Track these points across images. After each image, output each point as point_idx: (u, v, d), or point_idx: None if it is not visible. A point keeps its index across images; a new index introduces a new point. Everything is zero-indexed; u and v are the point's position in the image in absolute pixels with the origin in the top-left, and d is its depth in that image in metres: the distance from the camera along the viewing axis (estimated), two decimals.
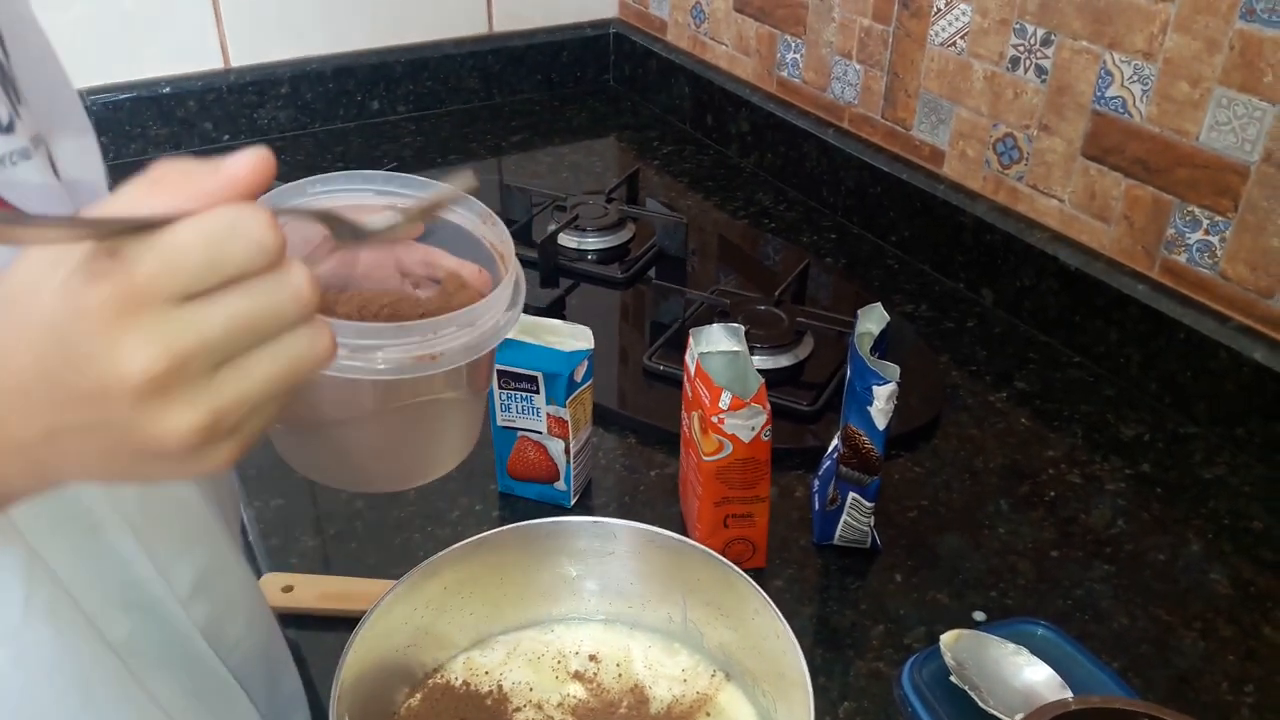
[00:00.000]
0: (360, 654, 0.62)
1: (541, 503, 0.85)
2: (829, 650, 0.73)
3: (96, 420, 0.35)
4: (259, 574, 0.79)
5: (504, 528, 0.68)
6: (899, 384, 0.72)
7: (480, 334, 0.48)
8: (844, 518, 0.79)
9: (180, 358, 0.34)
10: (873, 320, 0.77)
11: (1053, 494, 0.87)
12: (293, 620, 0.75)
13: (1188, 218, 0.92)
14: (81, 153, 0.53)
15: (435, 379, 0.48)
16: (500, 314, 0.50)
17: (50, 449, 0.36)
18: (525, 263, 1.16)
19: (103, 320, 0.33)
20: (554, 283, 1.15)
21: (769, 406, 0.73)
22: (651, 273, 1.18)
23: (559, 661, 0.69)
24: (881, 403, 0.72)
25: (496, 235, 0.55)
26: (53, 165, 0.48)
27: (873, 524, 0.80)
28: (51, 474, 0.39)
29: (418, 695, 0.67)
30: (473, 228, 0.55)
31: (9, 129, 0.45)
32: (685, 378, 0.78)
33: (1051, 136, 1.03)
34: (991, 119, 1.08)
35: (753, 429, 0.73)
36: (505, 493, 0.86)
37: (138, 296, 0.33)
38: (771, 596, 0.61)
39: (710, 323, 0.81)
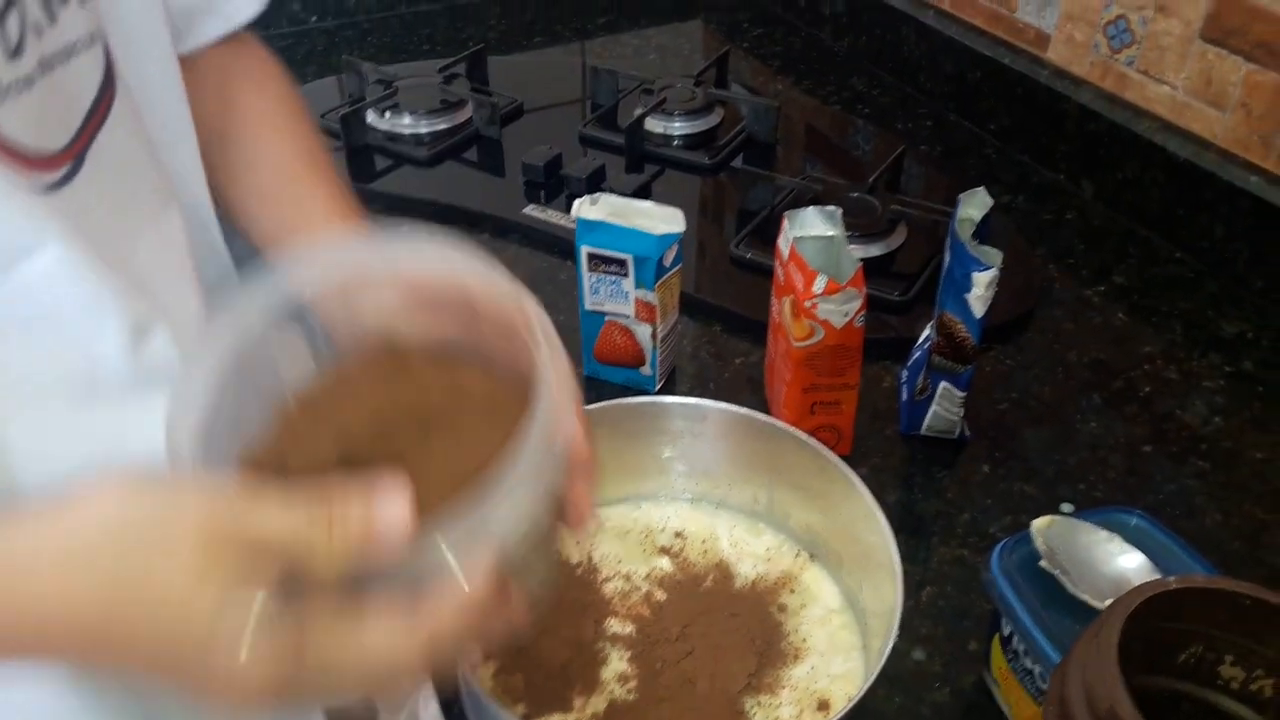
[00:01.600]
0: None
1: (627, 387, 0.86)
2: (911, 536, 0.74)
3: (188, 680, 0.35)
4: None
5: (597, 405, 0.69)
6: (1000, 270, 0.71)
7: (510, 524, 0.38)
8: (933, 407, 0.79)
9: (292, 667, 0.34)
10: (975, 205, 0.75)
11: (1148, 389, 0.85)
12: None
13: None
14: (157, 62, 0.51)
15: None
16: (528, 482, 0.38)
17: (120, 664, 0.36)
18: (611, 148, 1.17)
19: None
20: (639, 168, 1.14)
21: (865, 290, 0.72)
22: (739, 159, 1.16)
23: (646, 536, 0.71)
24: (981, 289, 0.71)
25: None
26: (108, 58, 0.45)
27: (963, 414, 0.79)
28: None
29: None
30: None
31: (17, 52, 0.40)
32: (777, 262, 0.77)
33: (1169, 18, 0.97)
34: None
35: (846, 314, 0.72)
36: (591, 376, 0.87)
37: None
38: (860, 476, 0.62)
39: (800, 210, 0.80)
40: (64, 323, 0.41)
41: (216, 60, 0.59)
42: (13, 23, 0.38)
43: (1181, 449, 0.80)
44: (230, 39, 0.59)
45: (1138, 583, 0.54)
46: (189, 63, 0.55)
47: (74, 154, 0.42)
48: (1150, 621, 0.42)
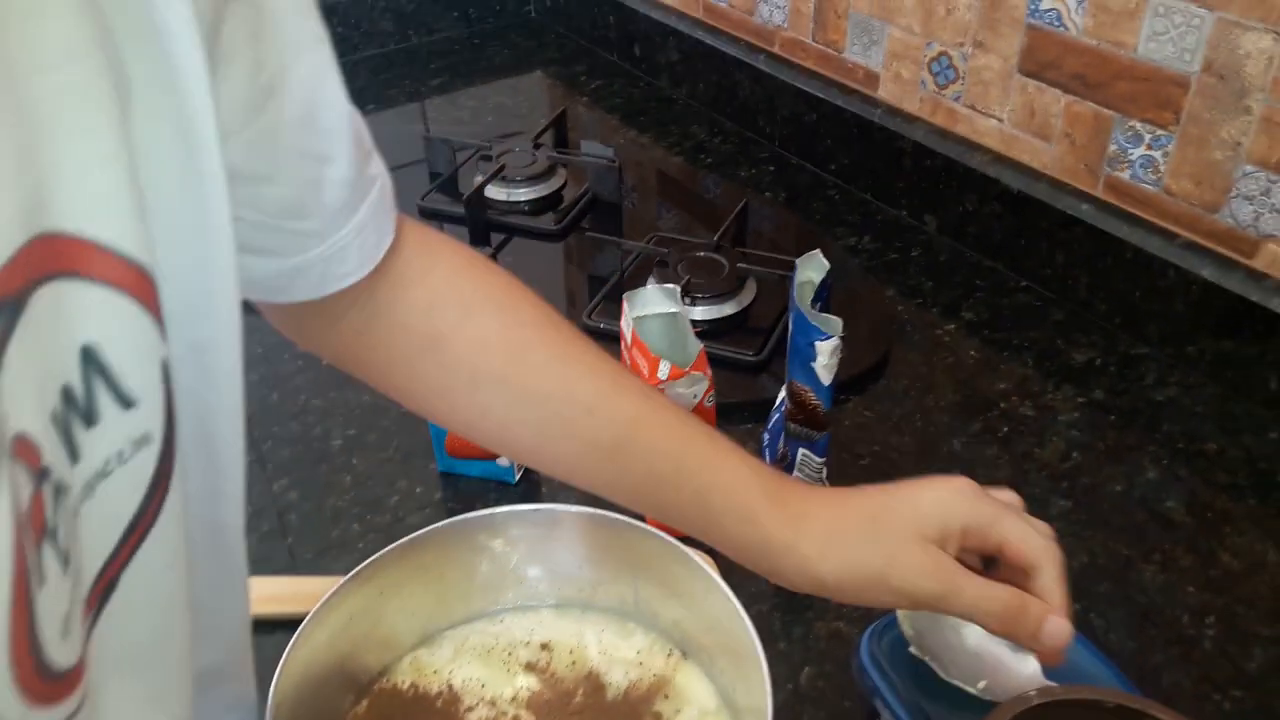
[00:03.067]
0: (295, 668, 0.59)
1: (486, 479, 0.82)
2: (788, 614, 0.71)
3: None
4: None
5: (434, 526, 0.65)
6: (843, 338, 0.69)
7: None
8: (795, 473, 0.77)
9: None
10: (813, 268, 0.74)
11: (1006, 429, 0.85)
12: None
13: (1129, 133, 0.89)
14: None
15: None
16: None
17: None
18: (454, 219, 1.13)
19: None
20: (485, 239, 1.10)
21: (710, 371, 0.69)
22: (587, 221, 1.14)
23: (510, 653, 0.67)
24: (825, 358, 0.69)
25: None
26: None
27: (825, 477, 0.77)
28: None
29: (364, 702, 0.64)
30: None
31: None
32: (622, 345, 0.75)
33: (987, 53, 0.99)
34: (925, 37, 1.04)
35: (695, 396, 0.70)
36: (446, 472, 0.83)
37: None
38: (725, 563, 0.59)
39: (650, 274, 0.77)
40: None
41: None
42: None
43: (1044, 490, 0.80)
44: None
45: (1009, 664, 0.53)
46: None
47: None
48: None
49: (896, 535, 0.47)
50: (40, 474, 0.27)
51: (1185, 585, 0.72)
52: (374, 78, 1.46)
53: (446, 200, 1.15)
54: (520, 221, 1.13)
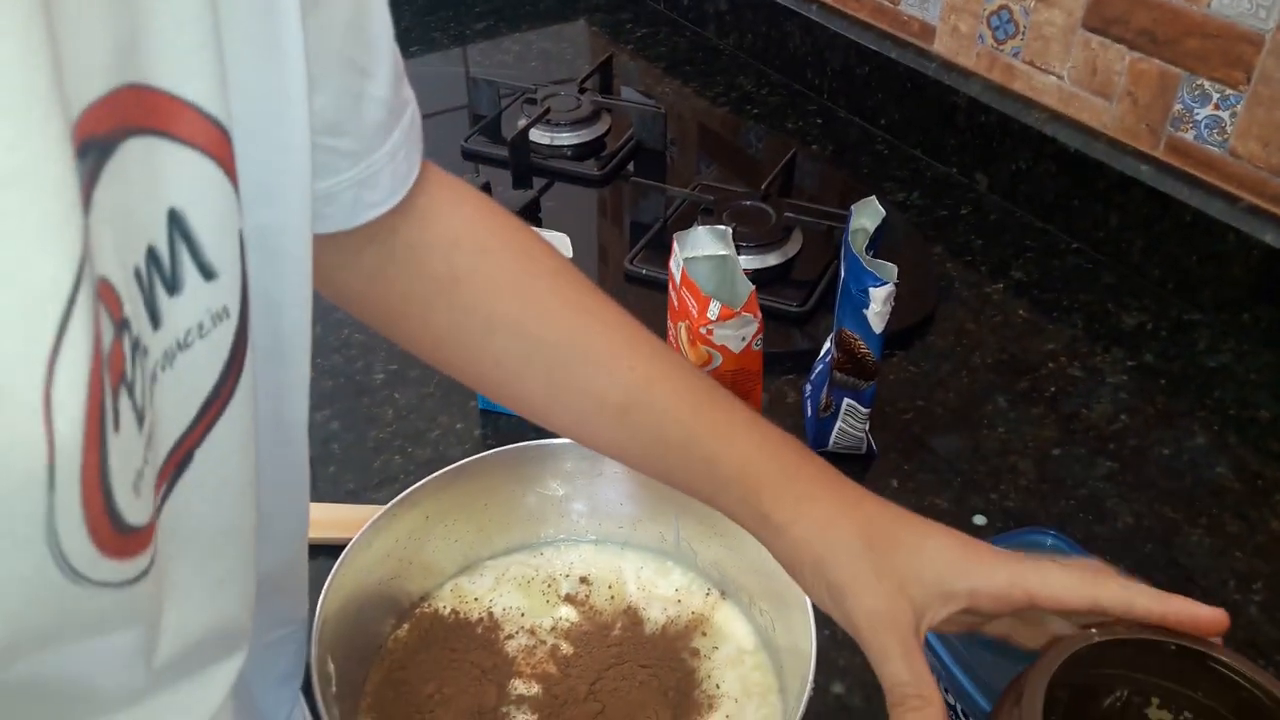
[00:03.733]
0: (341, 588, 0.59)
1: (524, 420, 0.82)
2: None
3: None
4: None
5: (484, 454, 0.65)
6: (896, 284, 0.68)
7: None
8: (839, 424, 0.76)
9: None
10: (867, 215, 0.73)
11: (1053, 389, 0.84)
12: None
13: (1196, 92, 0.87)
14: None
15: None
16: None
17: None
18: (496, 162, 1.13)
19: None
20: (527, 183, 1.09)
21: (760, 313, 0.69)
22: (630, 167, 1.13)
23: (550, 585, 0.67)
24: (878, 305, 0.68)
25: None
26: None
27: (868, 429, 0.77)
28: None
29: (405, 626, 0.65)
30: None
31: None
32: (670, 285, 0.74)
33: (1050, 7, 0.96)
34: None
35: (743, 339, 0.69)
36: (487, 409, 0.83)
37: None
38: None
39: (694, 222, 0.77)
40: None
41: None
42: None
43: (1090, 450, 0.79)
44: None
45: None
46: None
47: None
48: (1074, 670, 0.40)
49: (876, 569, 0.43)
50: (120, 324, 0.27)
51: (1233, 551, 0.71)
52: (418, 19, 1.44)
53: (488, 143, 1.14)
54: (563, 166, 1.12)
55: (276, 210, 0.36)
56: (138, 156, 0.27)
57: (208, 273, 0.31)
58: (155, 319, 0.29)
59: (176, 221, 0.29)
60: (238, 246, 0.32)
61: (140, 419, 0.28)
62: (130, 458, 0.27)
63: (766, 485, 0.47)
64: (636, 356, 0.50)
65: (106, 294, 0.26)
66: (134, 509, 0.27)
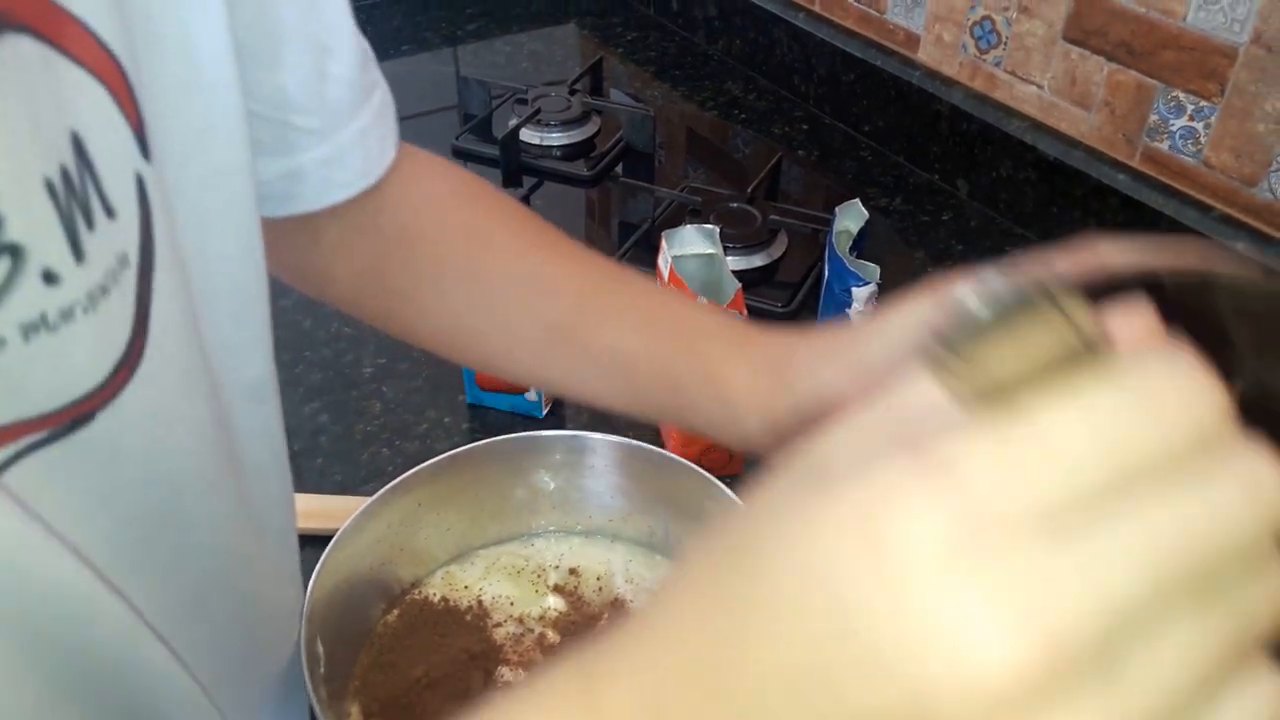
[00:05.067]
0: (331, 572, 0.60)
1: (513, 414, 0.83)
2: None
3: None
4: None
5: (477, 443, 0.66)
6: (879, 284, 0.70)
7: None
8: None
9: (1068, 646, 0.18)
10: (851, 218, 0.75)
11: None
12: None
13: (1171, 103, 0.90)
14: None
15: None
16: None
17: None
18: (487, 160, 1.14)
19: (924, 573, 0.18)
20: (517, 182, 1.11)
21: (746, 312, 0.70)
22: (619, 169, 1.14)
23: (539, 575, 0.68)
24: (861, 305, 0.70)
25: None
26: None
27: None
28: None
29: (395, 611, 0.66)
30: None
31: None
32: (658, 282, 0.75)
33: (1031, 19, 0.99)
34: (969, 0, 1.04)
35: None
36: (474, 404, 0.84)
37: (974, 522, 0.18)
38: None
39: (681, 222, 0.78)
40: None
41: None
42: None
43: None
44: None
45: None
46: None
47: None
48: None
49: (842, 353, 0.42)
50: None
51: None
52: (408, 19, 1.45)
53: (479, 142, 1.16)
54: (552, 166, 1.13)
55: (196, 165, 0.35)
56: (31, 61, 0.26)
57: (109, 210, 0.29)
58: (78, 251, 0.27)
59: (79, 147, 0.27)
60: (134, 189, 0.30)
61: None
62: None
63: (716, 350, 0.47)
64: (584, 278, 0.51)
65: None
66: None
